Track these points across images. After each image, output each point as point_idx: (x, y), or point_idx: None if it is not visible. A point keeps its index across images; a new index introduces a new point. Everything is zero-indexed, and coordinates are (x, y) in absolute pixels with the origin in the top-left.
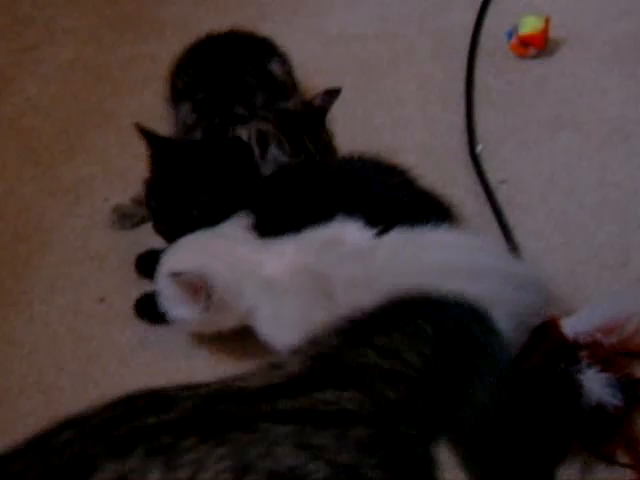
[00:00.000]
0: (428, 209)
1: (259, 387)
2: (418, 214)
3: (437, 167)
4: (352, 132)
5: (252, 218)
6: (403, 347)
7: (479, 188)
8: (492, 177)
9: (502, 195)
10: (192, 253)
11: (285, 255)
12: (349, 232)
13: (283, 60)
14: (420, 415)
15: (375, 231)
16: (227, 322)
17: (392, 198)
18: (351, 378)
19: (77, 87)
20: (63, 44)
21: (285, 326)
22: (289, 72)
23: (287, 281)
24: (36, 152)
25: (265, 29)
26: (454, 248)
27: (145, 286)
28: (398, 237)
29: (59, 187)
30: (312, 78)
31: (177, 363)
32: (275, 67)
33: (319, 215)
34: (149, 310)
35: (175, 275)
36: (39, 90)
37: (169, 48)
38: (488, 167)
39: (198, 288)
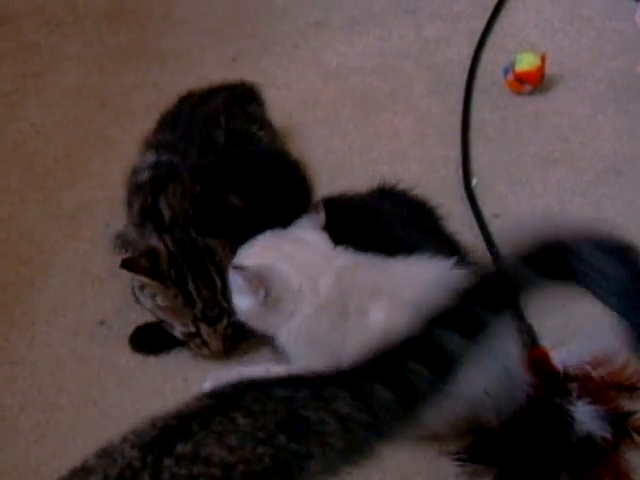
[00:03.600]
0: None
1: None
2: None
3: (433, 200)
4: (350, 164)
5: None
6: (204, 449)
7: (473, 221)
8: (486, 211)
9: (496, 229)
10: (262, 251)
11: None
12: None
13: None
14: None
15: None
16: (278, 320)
17: (412, 242)
18: None
19: (80, 114)
20: (67, 71)
21: (308, 341)
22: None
23: (325, 296)
24: (39, 177)
25: (265, 61)
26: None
27: (143, 310)
28: None
29: (61, 211)
30: (311, 110)
31: (175, 385)
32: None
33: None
34: (145, 342)
35: (240, 268)
36: (43, 116)
37: (171, 77)
38: (482, 201)
39: (259, 283)
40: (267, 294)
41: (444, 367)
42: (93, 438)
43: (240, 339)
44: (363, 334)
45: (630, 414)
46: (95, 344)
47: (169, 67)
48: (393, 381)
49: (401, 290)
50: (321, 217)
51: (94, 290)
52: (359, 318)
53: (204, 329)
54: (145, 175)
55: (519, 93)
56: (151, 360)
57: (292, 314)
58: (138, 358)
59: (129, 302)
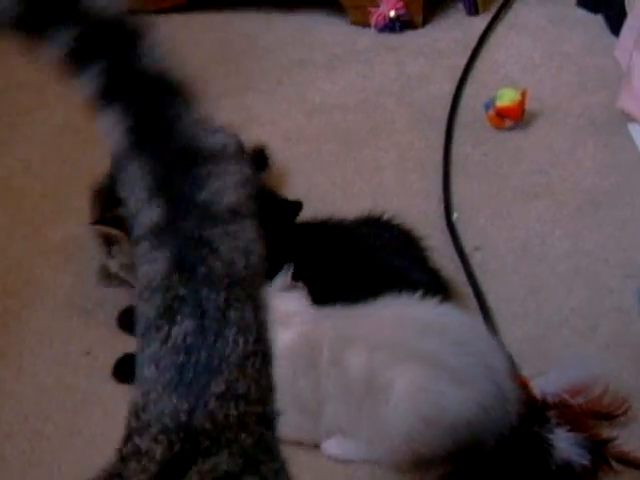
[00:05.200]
0: (428, 283)
1: None
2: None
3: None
4: (332, 198)
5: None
6: (240, 386)
7: (454, 254)
8: (467, 244)
9: (476, 261)
10: None
11: (294, 327)
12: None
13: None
14: (272, 444)
15: None
16: None
17: (397, 269)
18: (211, 440)
19: (67, 150)
20: (54, 109)
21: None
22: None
23: (284, 349)
24: (27, 212)
25: (250, 98)
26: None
27: (128, 341)
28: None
29: (48, 245)
30: (295, 146)
31: None
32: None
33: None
34: (129, 372)
35: None
36: (31, 152)
37: None
38: (463, 234)
39: None
40: None
41: None
42: (78, 466)
43: None
44: (345, 382)
45: (608, 441)
46: (81, 374)
47: None
48: None
49: (376, 332)
50: (286, 278)
51: (80, 321)
52: (336, 368)
53: None
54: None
55: (500, 128)
56: None
57: None
58: (123, 388)
59: (114, 333)
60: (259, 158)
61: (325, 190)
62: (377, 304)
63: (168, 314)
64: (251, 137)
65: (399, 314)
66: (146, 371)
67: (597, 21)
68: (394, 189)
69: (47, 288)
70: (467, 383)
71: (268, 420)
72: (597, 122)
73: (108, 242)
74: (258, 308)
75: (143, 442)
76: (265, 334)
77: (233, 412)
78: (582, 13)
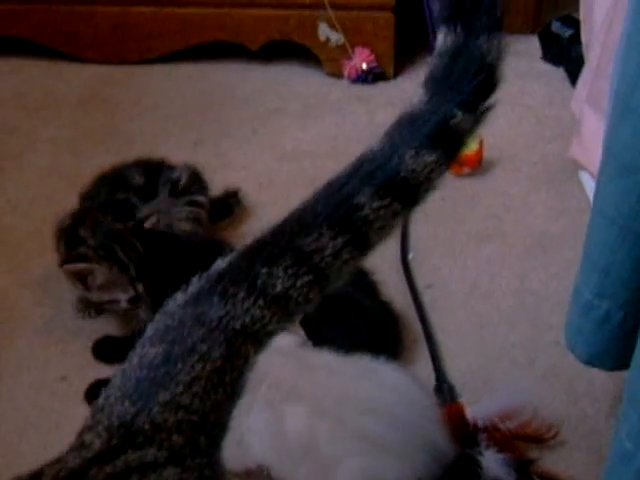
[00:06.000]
0: (379, 312)
1: (77, 465)
2: (374, 321)
3: (371, 271)
4: None
5: None
6: (184, 399)
7: (407, 290)
8: (420, 281)
9: (427, 298)
10: None
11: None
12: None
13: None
14: (204, 446)
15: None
16: None
17: (350, 298)
18: (145, 438)
19: (53, 191)
20: (43, 152)
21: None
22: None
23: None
24: (12, 248)
25: (225, 145)
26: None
27: (102, 368)
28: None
29: (31, 280)
30: (265, 190)
31: None
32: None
33: None
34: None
35: None
36: (19, 193)
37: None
38: (417, 272)
39: None
40: None
41: None
42: None
43: None
44: (279, 431)
45: (533, 461)
46: (56, 398)
47: (136, 149)
48: None
49: (321, 400)
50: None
51: (57, 350)
52: (272, 411)
53: (141, 288)
54: (67, 221)
55: (459, 175)
56: None
57: None
58: None
59: (89, 361)
60: (228, 201)
61: None
62: (326, 363)
63: (157, 337)
64: (225, 182)
65: (345, 388)
66: (116, 379)
67: (559, 74)
68: None
69: (28, 319)
70: (408, 460)
71: (206, 430)
72: (551, 170)
73: (81, 277)
74: (234, 355)
75: (87, 437)
76: (231, 372)
77: (172, 418)
78: (546, 66)
